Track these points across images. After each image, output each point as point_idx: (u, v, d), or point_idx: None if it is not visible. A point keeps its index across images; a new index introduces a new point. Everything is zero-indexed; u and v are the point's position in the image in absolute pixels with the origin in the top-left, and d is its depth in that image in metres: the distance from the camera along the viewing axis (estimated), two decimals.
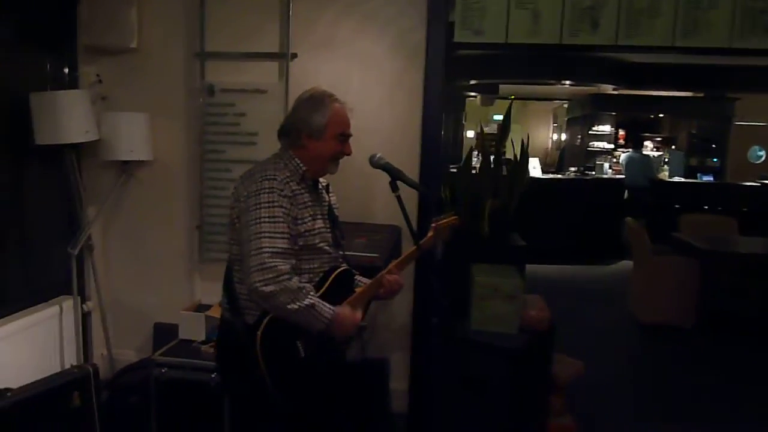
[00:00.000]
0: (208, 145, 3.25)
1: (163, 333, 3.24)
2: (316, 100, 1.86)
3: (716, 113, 10.65)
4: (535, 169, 8.13)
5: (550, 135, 14.36)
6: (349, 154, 1.92)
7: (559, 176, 8.95)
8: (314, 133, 1.84)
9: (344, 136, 1.89)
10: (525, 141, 3.12)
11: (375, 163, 1.93)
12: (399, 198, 1.88)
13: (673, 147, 11.00)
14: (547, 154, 13.85)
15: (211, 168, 3.27)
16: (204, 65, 3.22)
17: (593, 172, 9.47)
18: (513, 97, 12.60)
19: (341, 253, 2.00)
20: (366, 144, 2.18)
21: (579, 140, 11.36)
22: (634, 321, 5.30)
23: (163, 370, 2.84)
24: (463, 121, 11.27)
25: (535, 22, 5.02)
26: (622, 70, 8.65)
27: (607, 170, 9.46)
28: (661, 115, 11.41)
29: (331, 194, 2.02)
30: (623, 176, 8.90)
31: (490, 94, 10.10)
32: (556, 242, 7.04)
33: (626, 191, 8.59)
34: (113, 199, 3.35)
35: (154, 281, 3.42)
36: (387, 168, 1.91)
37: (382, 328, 3.19)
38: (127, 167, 3.30)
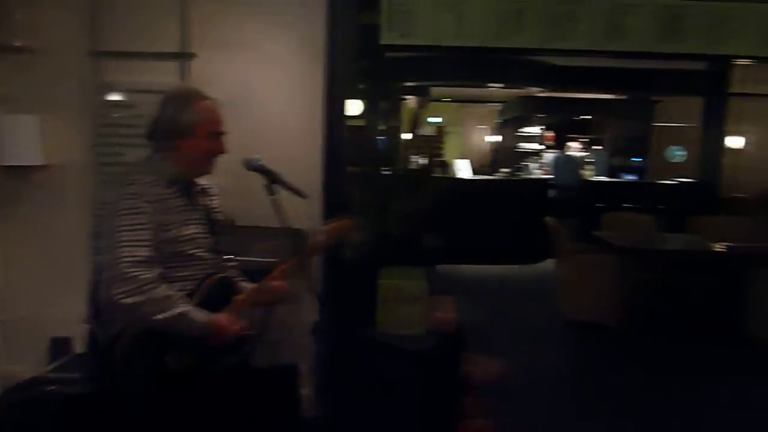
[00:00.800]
0: (106, 148, 3.09)
1: (60, 347, 3.07)
2: (183, 97, 1.78)
3: (639, 115, 11.14)
4: (465, 170, 8.24)
5: (486, 137, 14.65)
6: (222, 153, 1.84)
7: (490, 177, 9.12)
8: (184, 132, 1.75)
9: (216, 134, 1.81)
10: (441, 142, 3.11)
11: (250, 165, 1.86)
12: (275, 201, 1.81)
13: (599, 148, 11.43)
14: (483, 155, 14.13)
15: (110, 172, 3.11)
16: (101, 64, 3.06)
17: (523, 173, 9.71)
18: (449, 99, 12.81)
19: (224, 258, 1.91)
20: (267, 146, 2.11)
21: (510, 142, 11.64)
22: (563, 319, 5.42)
23: (53, 387, 2.66)
24: (400, 124, 11.33)
25: (460, 25, 5.08)
26: (549, 73, 8.87)
27: (536, 171, 9.71)
28: (588, 117, 11.82)
29: (212, 197, 1.94)
30: (551, 176, 9.15)
31: (424, 96, 10.19)
32: (486, 243, 7.16)
33: (554, 191, 8.85)
34: (3, 206, 3.13)
35: (50, 293, 3.21)
36: (263, 171, 1.85)
37: (293, 333, 3.11)
38: (18, 172, 3.09)
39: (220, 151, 1.83)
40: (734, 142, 11.68)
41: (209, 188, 1.94)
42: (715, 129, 7.82)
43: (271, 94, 2.96)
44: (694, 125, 8.65)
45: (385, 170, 3.03)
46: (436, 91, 10.06)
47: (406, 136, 12.05)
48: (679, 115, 10.73)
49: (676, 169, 10.49)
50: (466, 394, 3.08)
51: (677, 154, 11.29)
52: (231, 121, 1.86)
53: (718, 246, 5.21)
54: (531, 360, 4.44)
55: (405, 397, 2.61)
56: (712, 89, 7.89)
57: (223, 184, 2.00)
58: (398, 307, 2.54)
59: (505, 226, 7.57)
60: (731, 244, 5.24)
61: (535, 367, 4.34)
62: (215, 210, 1.92)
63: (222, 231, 1.91)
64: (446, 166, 9.26)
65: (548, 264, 7.05)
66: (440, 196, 3.12)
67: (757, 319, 4.89)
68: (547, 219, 5.79)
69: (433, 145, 11.29)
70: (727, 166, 10.78)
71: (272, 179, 1.82)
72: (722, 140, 8.11)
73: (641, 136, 11.30)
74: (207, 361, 1.74)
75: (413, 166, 3.05)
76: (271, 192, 1.80)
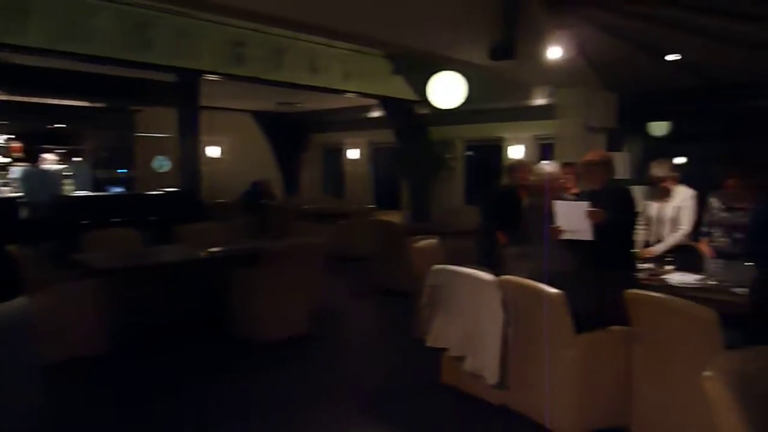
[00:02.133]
0: None
1: None
2: None
3: (118, 124, 10.74)
4: None
5: None
6: None
7: None
8: None
9: None
10: None
11: None
12: None
13: (79, 159, 10.49)
14: None
15: None
16: None
17: None
18: None
19: None
20: None
21: None
22: (41, 361, 4.50)
23: None
24: None
25: None
26: (8, 74, 7.47)
27: (1, 188, 8.11)
28: (62, 126, 10.65)
29: None
30: (21, 194, 7.78)
31: None
32: None
33: (27, 210, 7.54)
34: None
35: None
36: None
37: None
38: None
39: None
40: (211, 151, 12.74)
41: None
42: (191, 139, 8.13)
43: None
44: (172, 135, 8.82)
45: None
46: None
47: None
48: (157, 125, 10.86)
49: (162, 179, 10.60)
50: None
51: (162, 164, 11.44)
52: None
53: (204, 252, 5.32)
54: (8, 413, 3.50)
55: None
56: (184, 101, 8.17)
57: None
58: None
59: None
60: (217, 249, 5.45)
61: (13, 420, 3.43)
62: None
63: None
64: None
65: (20, 302, 5.87)
66: None
67: (239, 317, 5.21)
68: (11, 248, 4.72)
69: None
70: (208, 173, 11.56)
71: None
72: (198, 150, 8.50)
73: (124, 146, 10.94)
74: None
75: None
76: None
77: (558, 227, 3.83)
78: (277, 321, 5.13)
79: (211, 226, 6.65)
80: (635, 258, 4.11)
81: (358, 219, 9.41)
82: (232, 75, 8.08)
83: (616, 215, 3.70)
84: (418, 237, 5.55)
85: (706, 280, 4.19)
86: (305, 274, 5.29)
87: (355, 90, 9.66)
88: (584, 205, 3.73)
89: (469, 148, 10.75)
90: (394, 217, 9.32)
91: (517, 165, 5.32)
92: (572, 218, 3.76)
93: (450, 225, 7.96)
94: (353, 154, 12.67)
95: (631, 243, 4.03)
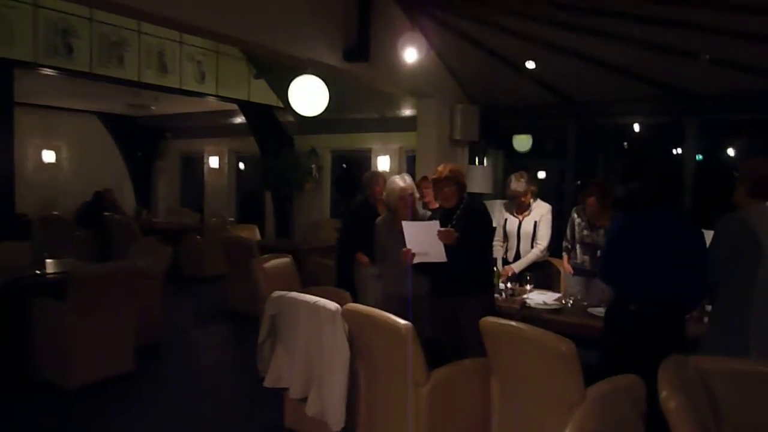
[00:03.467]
0: None
1: None
2: None
3: None
4: None
5: None
6: None
7: None
8: None
9: None
10: None
11: None
12: None
13: None
14: None
15: None
16: None
17: None
18: None
19: None
20: None
21: None
22: None
23: None
24: None
25: None
26: None
27: None
28: None
29: None
30: None
31: None
32: None
33: None
34: None
35: None
36: None
37: None
38: None
39: None
40: (47, 156, 11.20)
41: None
42: (2, 141, 6.83)
43: None
44: None
45: None
46: None
47: None
48: None
49: None
50: None
51: None
52: None
53: None
54: None
55: None
56: None
57: None
58: None
59: None
60: (16, 275, 4.47)
61: None
62: None
63: None
64: None
65: None
66: None
67: (41, 357, 4.26)
68: None
69: None
70: (40, 182, 10.06)
71: None
72: (11, 153, 7.15)
73: None
74: None
75: None
76: None
77: (408, 250, 3.43)
78: (91, 359, 4.25)
79: (20, 246, 5.55)
80: (493, 278, 3.82)
81: (212, 234, 8.57)
82: (58, 68, 6.95)
83: (470, 234, 3.37)
84: (269, 255, 4.96)
85: (565, 299, 4.04)
86: (128, 302, 4.47)
87: (211, 93, 8.85)
88: (434, 225, 3.36)
89: (337, 159, 10.31)
90: (252, 233, 8.59)
91: (371, 177, 4.88)
92: (423, 239, 3.38)
93: (311, 241, 7.44)
94: (214, 162, 11.72)
95: (488, 263, 3.73)
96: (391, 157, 9.20)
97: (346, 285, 4.89)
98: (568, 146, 6.08)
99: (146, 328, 4.95)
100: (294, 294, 3.38)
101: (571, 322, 3.62)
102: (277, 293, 3.45)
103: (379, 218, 4.09)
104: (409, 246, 3.42)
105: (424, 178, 4.94)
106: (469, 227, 3.40)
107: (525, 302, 3.89)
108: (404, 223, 3.44)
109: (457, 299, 3.47)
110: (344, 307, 3.14)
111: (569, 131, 6.07)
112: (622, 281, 3.20)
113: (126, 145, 12.29)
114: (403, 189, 3.84)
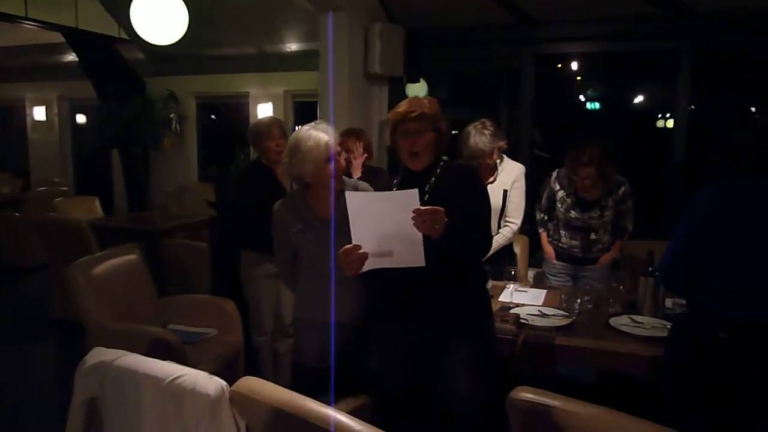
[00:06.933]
0: None
1: None
2: None
3: None
4: None
5: None
6: None
7: None
8: None
9: None
10: None
11: None
12: None
13: None
14: None
15: None
16: None
17: None
18: None
19: None
20: None
21: None
22: None
23: None
24: None
25: None
26: None
27: None
28: None
29: None
30: None
31: None
32: None
33: None
34: None
35: None
36: None
37: None
38: None
39: None
40: None
41: None
42: None
43: None
44: None
45: None
46: None
47: None
48: None
49: None
50: None
51: None
52: None
53: None
54: None
55: None
56: None
57: None
58: None
59: None
60: None
61: None
62: None
63: None
64: None
65: None
66: None
67: None
68: None
69: None
70: None
71: None
72: None
73: None
74: None
75: None
76: None
77: (355, 247, 1.86)
78: None
79: None
80: (488, 294, 2.38)
81: (36, 210, 6.37)
82: None
83: (462, 217, 1.88)
84: (107, 252, 3.19)
85: (563, 303, 2.73)
86: None
87: (20, 15, 6.42)
88: (409, 199, 1.80)
89: (204, 108, 8.24)
90: (91, 207, 6.44)
91: (262, 127, 3.14)
92: (384, 226, 1.83)
93: (175, 215, 5.57)
94: (40, 114, 9.08)
95: (484, 266, 2.26)
96: (274, 105, 7.38)
97: (226, 284, 3.48)
98: (523, 84, 4.67)
99: None
100: (131, 359, 1.68)
101: (607, 349, 2.29)
102: (97, 357, 1.73)
103: (280, 201, 2.37)
104: (356, 240, 1.85)
105: (349, 132, 3.36)
106: (459, 205, 1.91)
107: (519, 317, 2.51)
108: (349, 195, 1.84)
109: (435, 328, 2.02)
110: (235, 385, 1.54)
111: (525, 62, 4.66)
112: (710, 291, 1.93)
113: None
114: (327, 146, 2.19)
